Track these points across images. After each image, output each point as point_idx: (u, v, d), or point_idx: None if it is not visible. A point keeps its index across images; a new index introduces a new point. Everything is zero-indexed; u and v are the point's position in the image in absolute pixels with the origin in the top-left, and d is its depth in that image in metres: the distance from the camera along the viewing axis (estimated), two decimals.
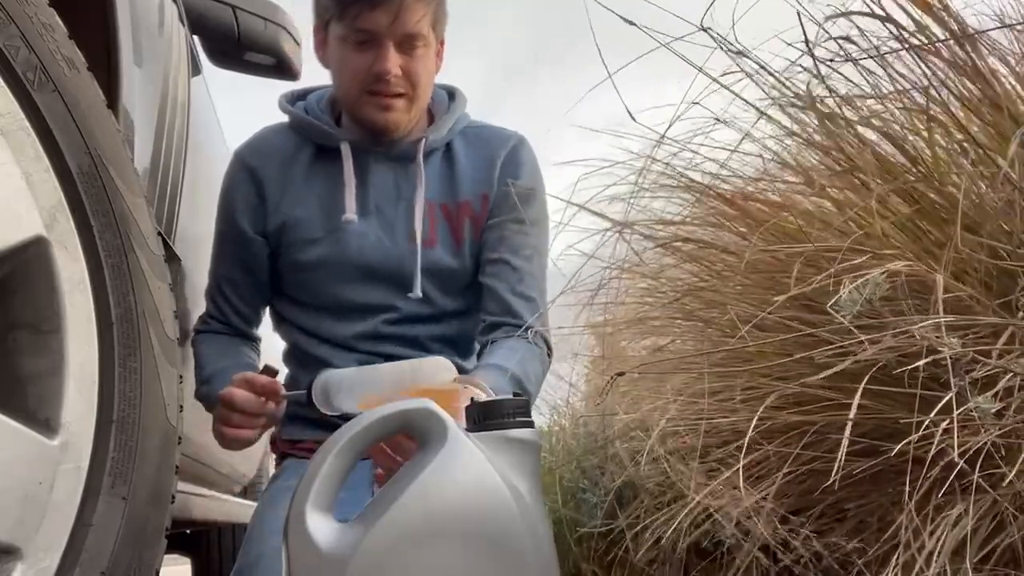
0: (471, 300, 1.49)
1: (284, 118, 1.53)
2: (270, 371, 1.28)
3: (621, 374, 1.24)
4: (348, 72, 1.39)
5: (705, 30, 1.06)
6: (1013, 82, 1.02)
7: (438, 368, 1.09)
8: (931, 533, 0.86)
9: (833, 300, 0.90)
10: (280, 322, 1.56)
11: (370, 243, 1.43)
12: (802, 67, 1.11)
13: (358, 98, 1.39)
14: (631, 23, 1.09)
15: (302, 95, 1.57)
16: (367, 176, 1.45)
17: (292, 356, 1.55)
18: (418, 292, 1.42)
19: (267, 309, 1.58)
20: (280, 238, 1.46)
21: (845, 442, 0.87)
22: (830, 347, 0.93)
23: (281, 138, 1.50)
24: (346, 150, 1.43)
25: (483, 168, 1.49)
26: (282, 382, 1.60)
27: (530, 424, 0.83)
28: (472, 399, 0.86)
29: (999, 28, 1.02)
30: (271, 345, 1.63)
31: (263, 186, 1.46)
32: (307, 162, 1.47)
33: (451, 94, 1.56)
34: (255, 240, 1.46)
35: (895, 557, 0.88)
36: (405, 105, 1.40)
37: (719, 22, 1.07)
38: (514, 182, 1.46)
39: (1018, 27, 1.03)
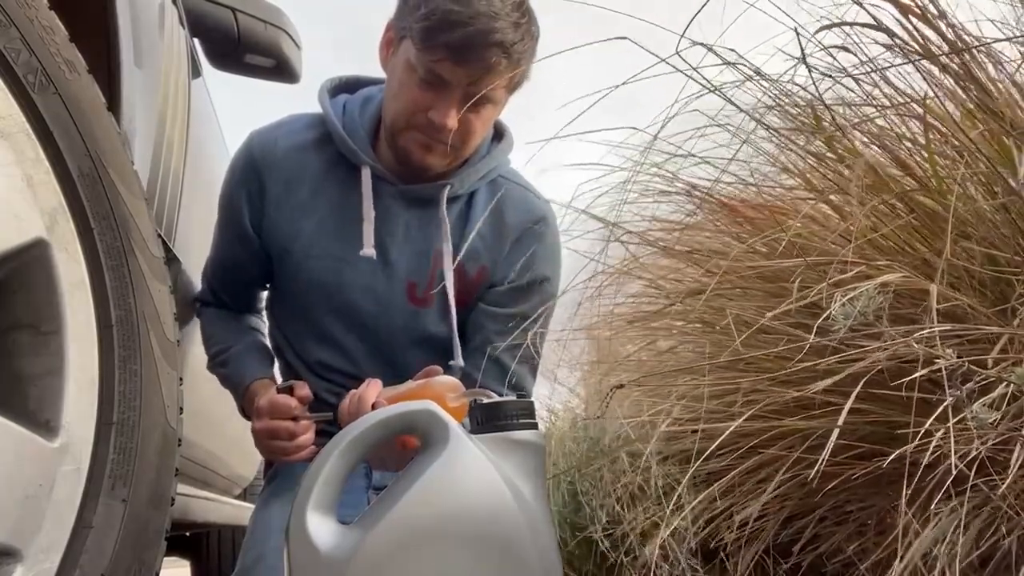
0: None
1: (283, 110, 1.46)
2: (287, 390, 1.28)
3: (620, 386, 1.24)
4: (404, 100, 1.28)
5: (705, 46, 1.06)
6: (1012, 90, 1.02)
7: (448, 387, 1.07)
8: (929, 537, 0.86)
9: (825, 315, 0.90)
10: (273, 326, 1.52)
11: (364, 283, 1.36)
12: (797, 85, 1.11)
13: (403, 130, 1.30)
14: (624, 38, 1.08)
15: (350, 86, 1.46)
16: (378, 206, 1.35)
17: (286, 368, 1.51)
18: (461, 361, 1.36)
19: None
20: (273, 240, 1.40)
21: (829, 447, 0.87)
22: (833, 357, 0.93)
23: (299, 137, 1.39)
24: (366, 177, 1.34)
25: (493, 238, 1.39)
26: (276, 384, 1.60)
27: (534, 426, 0.83)
28: (475, 400, 0.86)
29: (997, 41, 1.02)
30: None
31: (264, 182, 1.38)
32: (321, 169, 1.38)
33: (498, 134, 1.45)
34: (251, 236, 1.41)
35: (896, 561, 0.88)
36: (446, 152, 1.31)
37: (708, 28, 1.07)
38: (524, 269, 1.37)
39: (1018, 39, 1.03)
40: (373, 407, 1.10)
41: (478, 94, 1.24)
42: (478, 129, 1.31)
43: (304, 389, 1.27)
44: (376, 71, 1.41)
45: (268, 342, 1.52)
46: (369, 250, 1.33)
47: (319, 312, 1.40)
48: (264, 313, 1.58)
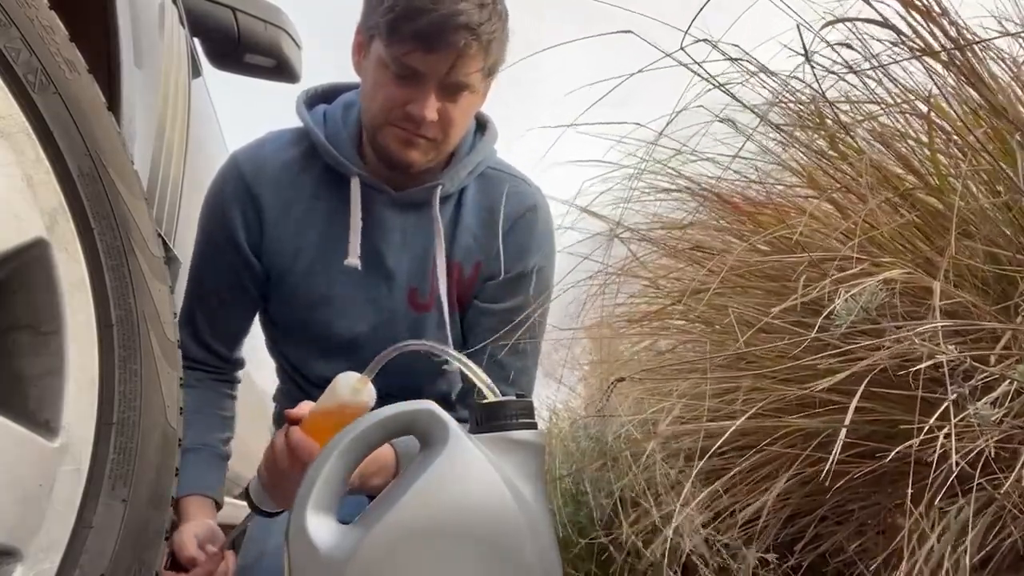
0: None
1: (283, 120, 1.42)
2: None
3: (621, 379, 1.24)
4: (380, 99, 1.26)
5: (709, 42, 1.06)
6: (1016, 87, 1.02)
7: (348, 383, 0.98)
8: (938, 536, 0.86)
9: (827, 311, 0.90)
10: (270, 341, 1.49)
11: (365, 294, 1.34)
12: (801, 81, 1.11)
13: (382, 127, 1.27)
14: (629, 31, 1.08)
15: (327, 95, 1.43)
16: (372, 215, 1.33)
17: (283, 374, 1.50)
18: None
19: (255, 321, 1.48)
20: (273, 261, 1.36)
21: (838, 447, 0.87)
22: (834, 353, 0.93)
23: (286, 154, 1.36)
24: (355, 186, 1.32)
25: (486, 232, 1.37)
26: (272, 392, 1.59)
27: (533, 426, 0.83)
28: (475, 400, 0.85)
29: (999, 37, 1.02)
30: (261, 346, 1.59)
31: (259, 203, 1.34)
32: (312, 184, 1.35)
33: (481, 126, 1.42)
34: (249, 256, 1.36)
35: (903, 563, 0.88)
36: (429, 147, 1.28)
37: (713, 26, 1.07)
38: (517, 260, 1.35)
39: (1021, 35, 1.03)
40: (289, 441, 1.01)
41: (453, 81, 1.23)
42: (458, 119, 1.28)
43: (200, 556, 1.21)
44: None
45: (231, 432, 1.46)
46: (353, 260, 1.30)
47: (320, 328, 1.37)
48: (241, 372, 1.51)
